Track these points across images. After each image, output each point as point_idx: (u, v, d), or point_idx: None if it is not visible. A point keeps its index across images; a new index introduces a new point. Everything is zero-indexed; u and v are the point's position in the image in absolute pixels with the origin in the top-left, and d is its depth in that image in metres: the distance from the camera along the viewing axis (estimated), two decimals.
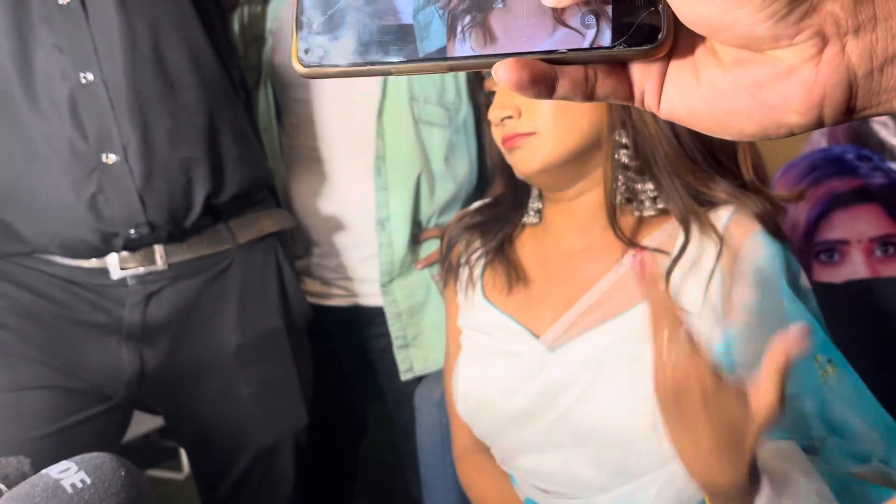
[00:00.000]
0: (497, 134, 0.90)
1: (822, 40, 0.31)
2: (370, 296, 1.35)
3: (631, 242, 0.85)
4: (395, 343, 1.33)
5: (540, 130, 0.85)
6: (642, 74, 0.35)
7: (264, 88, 1.34)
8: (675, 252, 0.83)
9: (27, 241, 1.05)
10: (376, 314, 1.34)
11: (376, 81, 1.29)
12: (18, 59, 0.99)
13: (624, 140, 0.85)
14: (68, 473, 0.55)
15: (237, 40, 1.40)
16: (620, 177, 0.87)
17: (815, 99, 0.32)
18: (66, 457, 0.73)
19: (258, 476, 1.18)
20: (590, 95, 0.35)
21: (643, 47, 0.33)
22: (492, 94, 0.92)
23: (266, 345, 1.18)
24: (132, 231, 1.04)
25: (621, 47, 0.33)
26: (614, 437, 0.81)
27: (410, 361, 1.34)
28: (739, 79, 0.33)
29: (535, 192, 0.95)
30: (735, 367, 0.79)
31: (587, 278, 0.87)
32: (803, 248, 1.59)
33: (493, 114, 0.88)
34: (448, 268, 1.01)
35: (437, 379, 1.18)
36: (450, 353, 1.01)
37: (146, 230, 1.04)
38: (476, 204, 1.04)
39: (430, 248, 1.34)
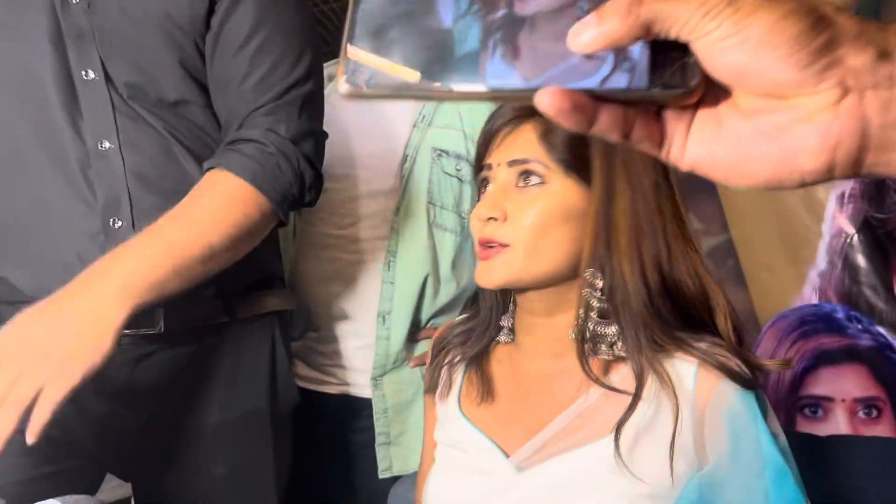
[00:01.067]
0: (475, 230, 0.90)
1: (843, 90, 0.34)
2: (360, 386, 1.35)
3: (598, 381, 0.83)
4: (378, 439, 1.32)
5: (514, 244, 0.85)
6: (674, 124, 0.38)
7: None
8: (626, 407, 0.82)
9: (24, 294, 1.04)
10: (364, 406, 1.34)
11: (398, 181, 1.34)
12: (38, 116, 1.02)
13: (596, 282, 0.85)
14: None
15: None
16: (582, 311, 0.86)
17: (830, 143, 0.35)
18: None
19: None
20: (626, 136, 0.37)
21: (678, 90, 0.36)
22: (485, 183, 0.92)
23: (247, 426, 1.15)
24: None
25: (658, 89, 0.36)
26: None
27: (390, 460, 1.33)
28: (761, 124, 0.36)
29: (509, 310, 0.95)
30: None
31: (559, 401, 0.87)
32: (788, 399, 1.61)
33: (482, 211, 0.88)
34: (434, 373, 1.00)
35: (412, 480, 1.16)
36: (423, 465, 1.00)
37: None
38: (464, 315, 1.03)
39: (425, 347, 1.35)
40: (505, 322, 0.94)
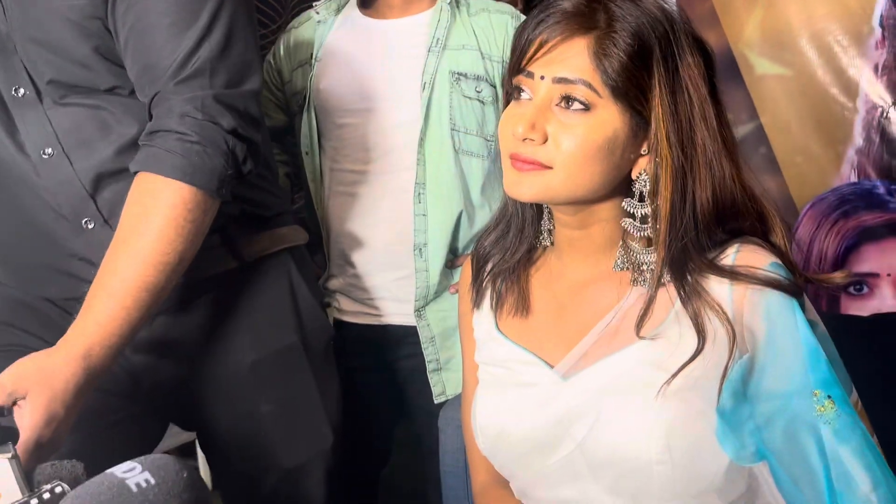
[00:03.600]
0: (508, 143, 0.84)
1: None
2: (402, 315, 1.38)
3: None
4: (429, 367, 1.35)
5: (556, 168, 0.82)
6: None
7: (307, 113, 1.38)
8: (688, 354, 0.82)
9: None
10: (408, 334, 1.37)
11: (419, 108, 1.33)
12: (10, 128, 1.02)
13: (635, 211, 0.85)
14: (133, 473, 0.58)
15: (283, 65, 1.45)
16: (622, 245, 0.87)
17: None
18: (104, 456, 0.78)
19: (283, 498, 1.17)
20: None
21: None
22: (519, 92, 0.86)
23: (283, 363, 1.15)
24: None
25: None
26: (629, 464, 0.82)
27: (443, 385, 1.37)
28: None
29: (545, 213, 0.93)
30: (744, 394, 0.81)
31: (598, 308, 0.88)
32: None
33: (518, 128, 0.81)
34: (476, 286, 0.99)
35: (461, 402, 1.19)
36: (467, 388, 1.01)
37: None
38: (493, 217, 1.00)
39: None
40: (545, 224, 0.93)
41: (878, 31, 1.51)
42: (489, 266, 0.98)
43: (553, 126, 0.81)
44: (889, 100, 1.52)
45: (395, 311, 1.38)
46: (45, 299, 1.10)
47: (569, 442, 0.85)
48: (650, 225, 0.84)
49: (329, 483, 1.19)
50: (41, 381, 0.86)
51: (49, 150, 1.02)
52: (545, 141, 0.81)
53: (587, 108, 0.81)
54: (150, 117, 0.98)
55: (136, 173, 0.96)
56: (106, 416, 1.06)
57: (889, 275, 1.59)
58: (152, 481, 0.58)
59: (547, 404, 0.87)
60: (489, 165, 1.35)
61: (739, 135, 1.66)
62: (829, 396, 0.78)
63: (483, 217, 1.36)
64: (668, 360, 0.82)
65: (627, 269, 0.87)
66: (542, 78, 0.83)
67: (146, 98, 0.98)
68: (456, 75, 1.33)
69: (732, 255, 0.83)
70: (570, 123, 0.81)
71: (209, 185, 0.95)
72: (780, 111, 1.63)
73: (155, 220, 0.93)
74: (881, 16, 1.49)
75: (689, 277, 0.82)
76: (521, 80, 0.85)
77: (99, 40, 0.99)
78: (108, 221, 1.03)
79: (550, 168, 0.82)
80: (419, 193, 1.33)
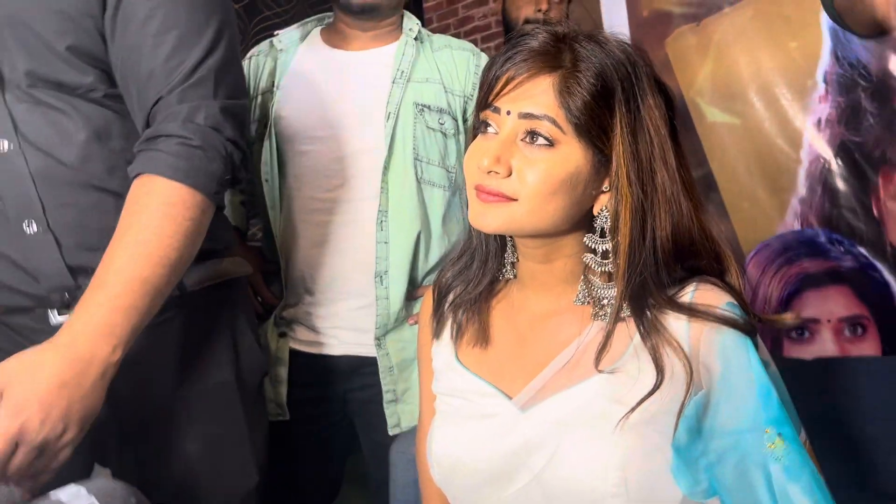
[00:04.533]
0: (473, 175, 0.86)
1: None
2: (359, 345, 1.37)
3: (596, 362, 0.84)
4: (386, 397, 1.34)
5: (521, 200, 0.83)
6: None
7: (268, 140, 1.37)
8: (646, 388, 0.83)
9: None
10: (363, 364, 1.36)
11: (382, 139, 1.34)
12: None
13: (597, 247, 0.86)
14: (78, 498, 0.56)
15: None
16: (583, 279, 0.88)
17: None
18: None
19: None
20: None
21: None
22: (485, 126, 0.87)
23: (213, 399, 1.11)
24: (66, 295, 1.01)
25: None
26: (585, 496, 0.82)
27: (398, 416, 1.35)
28: None
29: (509, 246, 0.94)
30: (699, 430, 0.83)
31: (558, 341, 0.89)
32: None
33: (483, 161, 0.83)
34: (437, 316, 0.99)
35: (413, 435, 1.18)
36: (423, 419, 1.01)
37: (80, 293, 0.95)
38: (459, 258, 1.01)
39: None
40: (508, 257, 0.94)
41: (821, 87, 1.58)
42: (450, 297, 0.98)
43: (517, 160, 0.83)
44: (830, 153, 1.59)
45: (353, 340, 1.37)
46: None
47: (525, 473, 0.85)
48: (611, 260, 0.86)
49: None
50: (20, 374, 0.83)
51: (5, 144, 0.98)
52: (509, 174, 0.83)
53: (551, 143, 0.82)
54: (148, 124, 0.99)
55: (135, 176, 0.96)
56: None
57: (829, 321, 1.64)
58: None
59: (504, 436, 0.87)
60: (450, 197, 1.37)
61: None
62: (779, 434, 0.80)
63: (441, 247, 1.36)
64: (627, 395, 0.83)
65: (588, 303, 0.88)
66: (509, 113, 0.84)
67: (146, 103, 0.99)
68: (420, 107, 1.35)
69: (690, 293, 0.85)
70: (534, 158, 0.83)
71: (208, 187, 0.97)
72: (728, 158, 1.69)
73: (154, 217, 0.93)
74: (825, 71, 1.57)
75: (648, 313, 0.84)
76: (488, 114, 0.87)
77: (83, 38, 0.98)
78: (52, 228, 0.99)
79: (515, 200, 0.83)
80: (381, 221, 1.33)
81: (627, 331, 0.85)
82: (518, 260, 0.93)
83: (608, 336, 0.85)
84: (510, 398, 0.89)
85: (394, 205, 1.33)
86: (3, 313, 1.04)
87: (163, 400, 1.08)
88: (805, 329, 1.65)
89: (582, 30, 0.86)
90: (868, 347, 1.58)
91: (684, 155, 0.88)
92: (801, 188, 1.64)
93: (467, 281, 0.96)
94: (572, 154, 0.83)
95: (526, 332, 0.92)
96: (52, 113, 0.99)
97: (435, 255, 1.37)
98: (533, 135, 0.83)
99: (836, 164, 1.60)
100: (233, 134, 1.00)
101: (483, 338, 0.94)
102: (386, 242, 1.32)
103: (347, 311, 1.36)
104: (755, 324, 0.86)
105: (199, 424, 1.09)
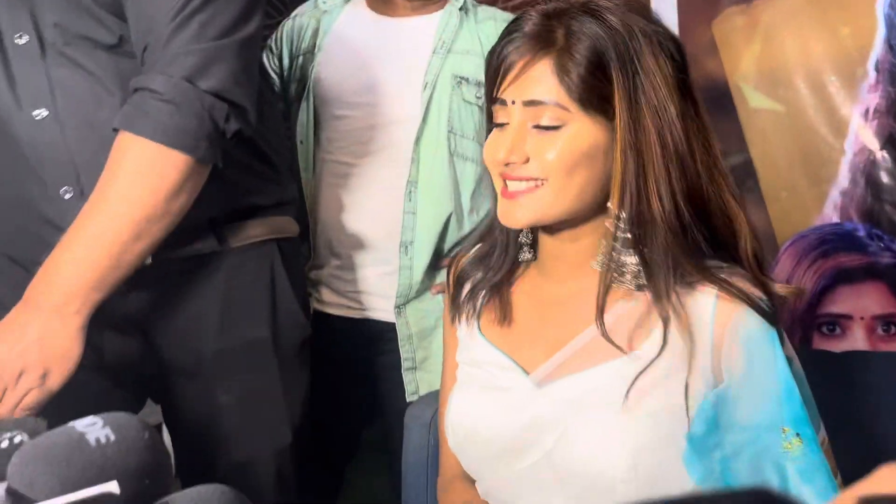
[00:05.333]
0: (494, 168, 0.87)
1: None
2: (382, 311, 1.38)
3: (613, 343, 0.84)
4: (404, 364, 1.35)
5: (545, 183, 0.84)
6: None
7: (305, 102, 1.39)
8: (650, 355, 0.83)
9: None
10: (386, 330, 1.37)
11: (418, 109, 1.34)
12: (10, 80, 1.01)
13: (621, 213, 0.85)
14: (94, 428, 0.57)
15: (283, 51, 1.45)
16: (603, 242, 0.87)
17: None
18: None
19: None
20: None
21: None
22: (498, 126, 0.88)
23: (248, 355, 1.13)
24: None
25: None
26: (594, 479, 0.83)
27: (417, 384, 1.37)
28: None
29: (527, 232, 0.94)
30: (716, 422, 0.82)
31: (580, 321, 0.88)
32: (806, 318, 1.62)
33: (499, 154, 0.85)
34: (455, 304, 0.99)
35: (428, 400, 1.19)
36: (445, 386, 1.02)
37: None
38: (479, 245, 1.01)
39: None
40: (523, 238, 0.93)
41: (872, 75, 1.53)
42: (468, 286, 0.98)
43: (531, 146, 0.84)
44: (877, 144, 1.54)
45: (376, 306, 1.39)
46: (8, 257, 1.09)
47: (537, 450, 0.86)
48: (631, 227, 0.85)
49: (282, 481, 1.16)
50: (3, 334, 0.89)
51: (43, 112, 1.00)
52: (527, 161, 0.84)
53: (561, 124, 0.84)
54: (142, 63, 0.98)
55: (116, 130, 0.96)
56: (74, 391, 1.03)
57: (862, 318, 1.61)
58: (112, 437, 0.57)
59: (518, 410, 0.88)
60: (482, 172, 1.36)
61: (728, 166, 1.68)
62: (797, 434, 0.79)
63: (471, 220, 1.36)
64: (644, 380, 0.83)
65: (605, 268, 0.87)
66: (514, 102, 0.86)
67: (140, 47, 0.97)
68: (458, 79, 1.35)
69: (712, 305, 0.83)
70: (547, 141, 0.84)
71: (182, 143, 0.93)
72: (769, 146, 1.65)
73: (121, 175, 0.93)
74: (877, 60, 1.52)
75: (669, 284, 0.83)
76: (497, 109, 0.88)
77: None
78: (85, 195, 1.00)
79: (543, 182, 0.84)
80: (410, 192, 1.33)
81: (650, 315, 0.85)
82: (536, 241, 0.93)
83: (638, 319, 0.84)
84: (528, 373, 0.89)
85: (424, 176, 1.33)
86: None
87: (201, 351, 1.11)
88: (836, 325, 1.62)
89: (576, 3, 0.86)
90: None
91: (699, 112, 0.87)
92: (843, 180, 1.60)
93: (487, 268, 0.96)
94: (583, 129, 0.84)
95: (548, 310, 0.92)
96: (89, 77, 1.00)
97: (466, 227, 1.37)
98: (541, 121, 0.84)
99: (881, 157, 1.56)
100: (215, 84, 0.95)
101: (505, 316, 0.94)
102: (413, 213, 1.33)
103: (373, 277, 1.38)
104: (776, 308, 0.85)
105: (233, 378, 1.12)
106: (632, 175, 0.83)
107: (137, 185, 0.93)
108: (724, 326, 0.82)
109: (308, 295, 1.42)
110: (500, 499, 0.92)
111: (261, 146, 1.15)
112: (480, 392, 0.93)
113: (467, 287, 0.98)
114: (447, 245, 1.37)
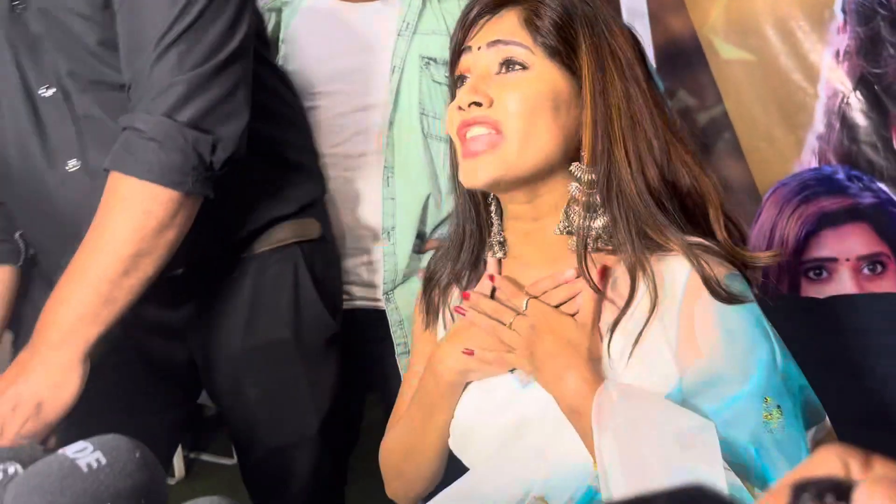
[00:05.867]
0: (455, 119, 0.85)
1: None
2: (369, 300, 1.38)
3: (597, 289, 0.83)
4: (397, 350, 1.36)
5: (506, 132, 0.82)
6: None
7: None
8: (622, 304, 0.82)
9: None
10: (374, 318, 1.37)
11: (387, 94, 1.32)
12: (41, 134, 1.04)
13: (582, 175, 0.84)
14: (84, 453, 0.58)
15: None
16: (565, 207, 0.86)
17: None
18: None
19: (267, 472, 1.25)
20: None
21: None
22: (462, 78, 0.88)
23: (272, 354, 1.21)
24: None
25: None
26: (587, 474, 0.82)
27: None
28: None
29: (496, 226, 0.92)
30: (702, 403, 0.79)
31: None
32: (792, 264, 1.63)
33: (463, 97, 0.84)
34: (427, 308, 0.98)
35: None
36: (403, 396, 1.00)
37: None
38: (446, 230, 1.01)
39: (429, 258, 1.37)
40: (495, 237, 0.92)
41: (839, 17, 1.52)
42: (436, 280, 0.97)
43: (495, 89, 0.84)
44: (849, 85, 1.54)
45: (363, 294, 1.39)
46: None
47: (527, 448, 0.85)
48: (596, 189, 0.84)
49: (314, 465, 1.25)
50: (12, 376, 0.94)
51: (74, 163, 1.04)
52: (491, 105, 0.83)
53: (524, 67, 0.84)
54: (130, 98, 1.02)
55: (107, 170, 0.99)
56: (134, 398, 1.17)
57: (847, 259, 1.61)
58: (104, 461, 0.58)
59: (505, 410, 0.87)
60: None
61: (704, 120, 1.68)
62: (778, 406, 0.77)
63: (450, 201, 1.36)
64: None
65: (569, 233, 0.86)
66: (479, 49, 0.86)
67: (127, 89, 0.99)
68: (426, 60, 1.33)
69: (686, 272, 0.82)
70: (510, 83, 0.84)
71: (167, 180, 0.95)
72: (743, 96, 1.64)
73: (110, 214, 0.96)
74: (843, 1, 1.51)
75: (637, 241, 0.82)
76: (461, 65, 0.88)
77: (106, 32, 1.00)
78: None
79: (500, 134, 0.83)
80: (388, 177, 1.33)
81: (624, 291, 0.84)
82: (505, 232, 0.91)
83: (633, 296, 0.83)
84: (511, 371, 0.88)
85: (399, 160, 1.33)
86: None
87: (228, 345, 1.20)
88: (822, 268, 1.63)
89: None
90: (888, 285, 1.55)
91: (663, 99, 0.88)
92: (819, 124, 1.60)
93: (455, 262, 0.95)
94: (546, 74, 0.84)
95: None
96: (110, 121, 1.02)
97: (445, 209, 1.36)
98: (507, 63, 0.85)
99: (855, 98, 1.55)
100: (195, 116, 0.96)
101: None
102: (392, 199, 1.33)
103: (356, 266, 1.37)
104: (739, 266, 0.84)
105: (259, 373, 1.21)
106: (601, 127, 0.83)
107: (124, 223, 0.95)
108: (695, 298, 0.81)
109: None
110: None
111: (282, 151, 1.21)
112: (473, 392, 0.91)
113: (437, 290, 0.97)
114: (428, 228, 1.37)
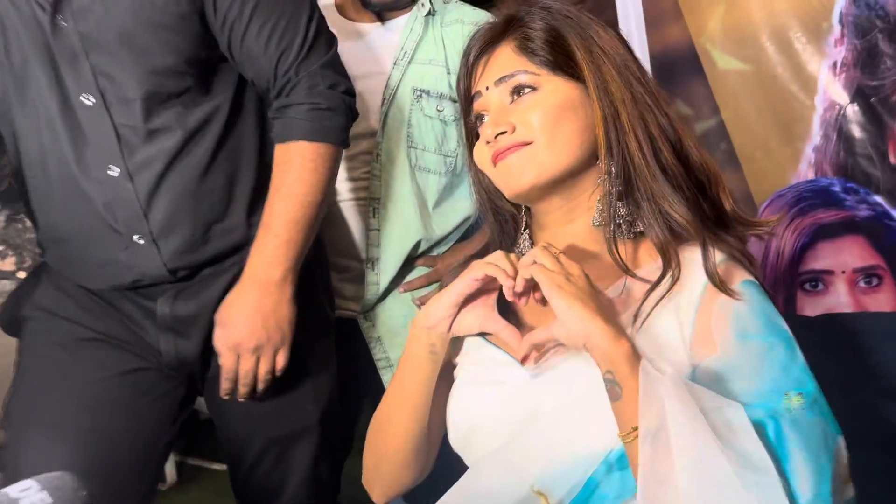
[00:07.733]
0: (486, 154, 0.92)
1: None
2: (348, 311, 1.40)
3: (627, 270, 0.88)
4: (379, 364, 1.38)
5: (536, 140, 0.89)
6: None
7: None
8: (674, 352, 0.85)
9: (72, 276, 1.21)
10: (357, 327, 1.39)
11: (377, 124, 1.33)
12: (78, 141, 1.12)
13: (611, 167, 0.90)
14: (29, 493, 0.60)
15: None
16: (598, 200, 0.92)
17: None
18: (113, 406, 1.02)
19: (269, 463, 1.29)
20: None
21: None
22: (480, 117, 0.95)
23: None
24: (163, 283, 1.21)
25: None
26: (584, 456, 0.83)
27: None
28: None
29: (522, 228, 0.97)
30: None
31: None
32: (788, 277, 1.62)
33: (487, 132, 0.91)
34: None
35: None
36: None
37: (175, 286, 1.22)
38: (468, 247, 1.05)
39: (421, 271, 1.37)
40: (523, 240, 0.97)
41: (837, 28, 1.50)
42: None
43: (515, 116, 0.90)
44: (846, 98, 1.52)
45: (343, 306, 1.40)
46: (81, 287, 1.23)
47: (537, 441, 0.86)
48: (620, 176, 0.89)
49: (315, 454, 1.31)
50: (230, 307, 1.15)
51: (114, 169, 1.12)
52: (514, 130, 0.90)
53: (534, 88, 0.91)
54: (278, 93, 1.19)
55: (280, 141, 1.18)
56: (118, 367, 1.21)
57: (843, 272, 1.60)
58: (49, 500, 0.60)
59: (515, 402, 0.90)
60: (446, 182, 1.35)
61: (701, 130, 1.66)
62: (799, 393, 0.79)
63: (440, 226, 1.36)
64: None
65: (604, 224, 0.91)
66: (487, 88, 0.93)
67: (268, 80, 1.18)
68: (418, 92, 1.33)
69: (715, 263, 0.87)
70: (527, 107, 0.90)
71: (339, 138, 1.20)
72: (740, 106, 1.63)
73: (300, 172, 1.16)
74: (840, 13, 1.48)
75: (661, 224, 0.87)
76: (476, 106, 0.95)
77: (190, 47, 1.14)
78: (156, 241, 1.16)
79: (530, 143, 0.89)
80: (374, 208, 1.33)
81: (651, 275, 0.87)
82: (534, 239, 0.96)
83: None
84: (522, 364, 0.90)
85: (387, 193, 1.35)
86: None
87: None
88: (819, 281, 1.61)
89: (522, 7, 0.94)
90: (884, 298, 1.54)
91: (658, 85, 0.94)
92: (816, 136, 1.58)
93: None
94: (554, 87, 0.91)
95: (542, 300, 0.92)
96: (157, 133, 1.14)
97: (435, 234, 1.36)
98: (517, 91, 0.91)
99: (851, 110, 1.53)
100: (346, 84, 1.21)
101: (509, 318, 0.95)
102: (378, 230, 1.33)
103: (335, 282, 1.38)
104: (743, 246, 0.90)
105: None
106: (610, 121, 0.88)
107: (310, 177, 1.16)
108: (714, 295, 0.84)
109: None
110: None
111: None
112: (480, 387, 0.94)
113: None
114: (414, 254, 1.37)
